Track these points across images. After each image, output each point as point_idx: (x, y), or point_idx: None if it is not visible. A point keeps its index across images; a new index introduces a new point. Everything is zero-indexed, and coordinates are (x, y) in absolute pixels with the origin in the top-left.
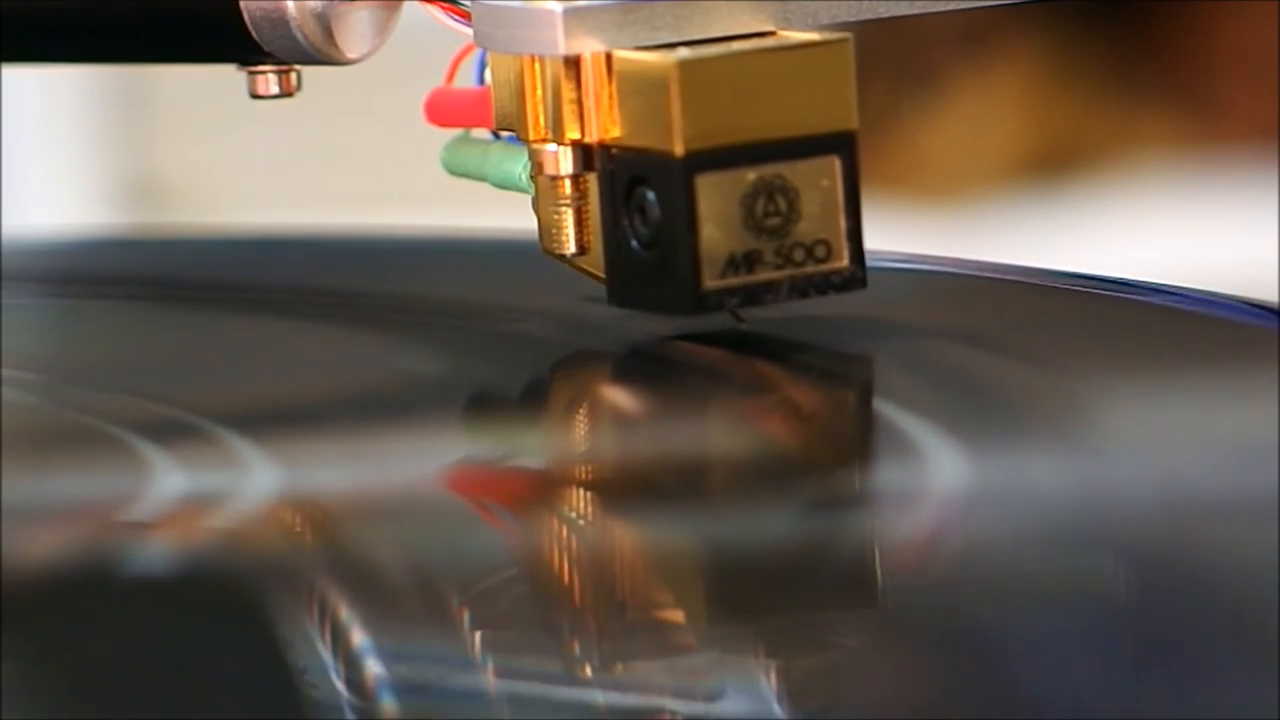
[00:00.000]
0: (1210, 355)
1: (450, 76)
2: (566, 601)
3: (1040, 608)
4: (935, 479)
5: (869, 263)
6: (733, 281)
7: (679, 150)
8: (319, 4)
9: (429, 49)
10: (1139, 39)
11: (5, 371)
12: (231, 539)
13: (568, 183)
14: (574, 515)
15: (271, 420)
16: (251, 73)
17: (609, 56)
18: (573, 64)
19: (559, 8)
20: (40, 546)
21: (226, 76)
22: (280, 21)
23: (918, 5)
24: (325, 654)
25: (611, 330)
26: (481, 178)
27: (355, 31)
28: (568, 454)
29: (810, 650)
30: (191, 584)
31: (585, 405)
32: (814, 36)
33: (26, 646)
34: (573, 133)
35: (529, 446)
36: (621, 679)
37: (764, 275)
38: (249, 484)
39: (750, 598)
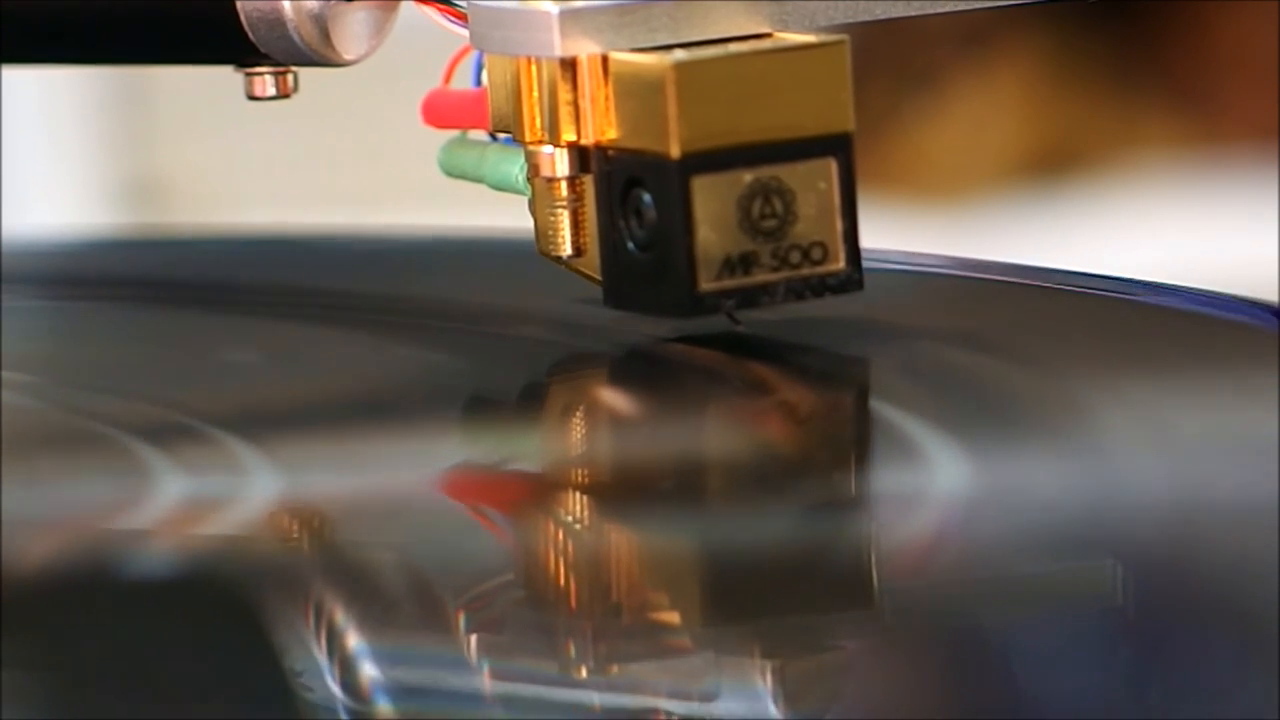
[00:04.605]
0: (1210, 355)
1: (447, 78)
2: (563, 604)
3: (1039, 610)
4: (934, 481)
5: (867, 261)
6: (729, 283)
7: (675, 152)
8: (315, 5)
9: (426, 50)
10: (1139, 39)
11: (5, 373)
12: (230, 542)
13: (564, 184)
14: (571, 518)
15: (269, 422)
16: (248, 74)
17: (605, 58)
18: (569, 66)
19: (555, 9)
20: (39, 549)
21: (226, 77)
22: (277, 23)
23: (915, 6)
24: (322, 658)
25: (608, 332)
26: (478, 179)
27: (352, 33)
28: (565, 457)
29: (806, 653)
30: (189, 587)
31: (582, 408)
32: (811, 38)
33: (24, 648)
34: (569, 134)
35: (526, 449)
36: (617, 681)
37: (760, 277)
38: (247, 487)
39: (747, 601)
